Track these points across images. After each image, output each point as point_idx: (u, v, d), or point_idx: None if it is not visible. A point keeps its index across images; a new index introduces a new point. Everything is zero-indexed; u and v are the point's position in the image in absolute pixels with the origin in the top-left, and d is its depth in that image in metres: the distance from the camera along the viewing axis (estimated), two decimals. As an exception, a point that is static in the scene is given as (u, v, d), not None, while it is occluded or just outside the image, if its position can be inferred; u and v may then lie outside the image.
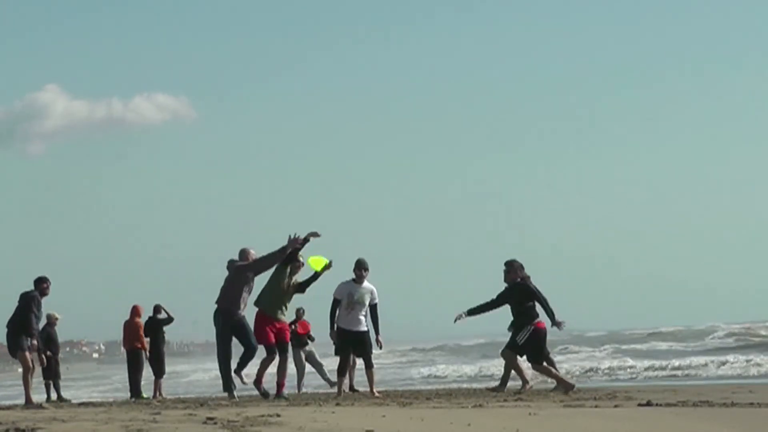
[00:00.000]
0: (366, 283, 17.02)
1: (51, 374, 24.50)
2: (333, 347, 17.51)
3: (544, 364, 17.17)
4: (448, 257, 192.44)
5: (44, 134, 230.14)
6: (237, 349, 16.34)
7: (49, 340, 23.83)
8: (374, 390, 17.12)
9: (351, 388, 21.00)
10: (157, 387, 23.55)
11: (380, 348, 17.48)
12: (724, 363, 30.88)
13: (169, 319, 23.51)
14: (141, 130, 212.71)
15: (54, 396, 24.29)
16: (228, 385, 16.30)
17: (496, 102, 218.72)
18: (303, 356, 24.35)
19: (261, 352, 16.39)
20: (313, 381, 28.01)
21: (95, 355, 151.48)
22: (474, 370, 36.93)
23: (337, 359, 17.59)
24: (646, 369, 31.42)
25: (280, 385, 16.39)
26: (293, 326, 23.27)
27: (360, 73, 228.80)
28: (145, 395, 22.99)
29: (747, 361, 30.77)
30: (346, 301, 16.93)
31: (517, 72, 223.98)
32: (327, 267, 16.37)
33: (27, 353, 18.26)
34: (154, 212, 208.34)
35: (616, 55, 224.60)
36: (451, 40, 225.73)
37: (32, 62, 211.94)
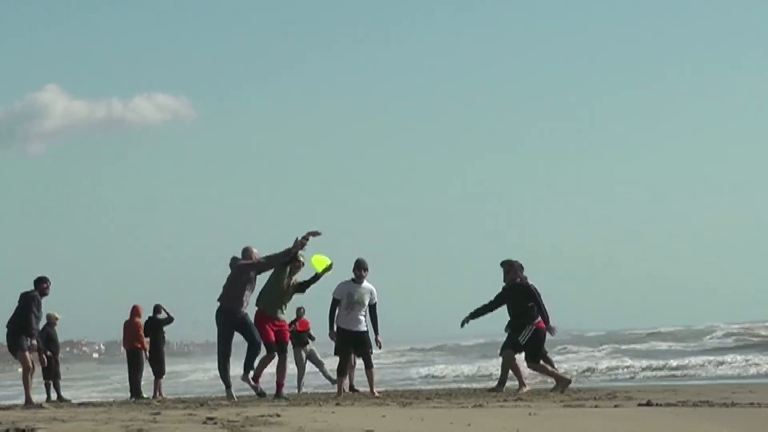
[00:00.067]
0: (365, 283, 17.03)
1: (51, 374, 24.50)
2: (333, 347, 17.52)
3: (541, 362, 17.26)
4: (448, 257, 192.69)
5: (44, 134, 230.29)
6: (238, 349, 16.28)
7: (49, 340, 23.82)
8: (374, 390, 17.13)
9: (351, 388, 21.01)
10: (157, 387, 23.56)
11: (379, 348, 17.51)
12: (722, 363, 30.88)
13: (169, 319, 23.52)
14: (141, 130, 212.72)
15: (54, 396, 24.29)
16: (226, 382, 16.25)
17: (496, 102, 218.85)
18: (304, 355, 24.37)
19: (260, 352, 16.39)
20: (313, 381, 28.02)
21: (95, 355, 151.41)
22: (473, 369, 36.93)
23: (337, 359, 17.60)
24: (644, 369, 31.42)
25: (279, 385, 16.40)
26: (293, 326, 23.30)
27: (360, 73, 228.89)
28: (145, 395, 22.99)
29: (746, 361, 30.78)
30: (345, 301, 16.94)
31: (517, 72, 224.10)
32: (328, 269, 16.39)
33: (27, 353, 18.27)
34: (154, 212, 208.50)
35: (616, 55, 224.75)
36: (451, 40, 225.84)
37: (32, 62, 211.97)
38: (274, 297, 16.23)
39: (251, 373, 16.23)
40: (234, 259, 16.18)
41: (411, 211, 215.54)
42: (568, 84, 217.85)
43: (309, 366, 24.65)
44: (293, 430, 9.25)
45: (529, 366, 17.30)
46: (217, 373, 17.19)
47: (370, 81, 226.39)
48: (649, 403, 12.95)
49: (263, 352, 16.20)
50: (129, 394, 23.85)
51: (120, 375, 47.13)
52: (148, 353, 23.32)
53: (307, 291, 16.64)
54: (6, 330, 18.50)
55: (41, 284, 18.34)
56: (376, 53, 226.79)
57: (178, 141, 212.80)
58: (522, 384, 17.08)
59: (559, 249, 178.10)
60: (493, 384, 18.82)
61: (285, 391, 16.81)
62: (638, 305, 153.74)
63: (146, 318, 23.42)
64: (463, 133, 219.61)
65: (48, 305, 19.95)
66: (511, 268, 17.35)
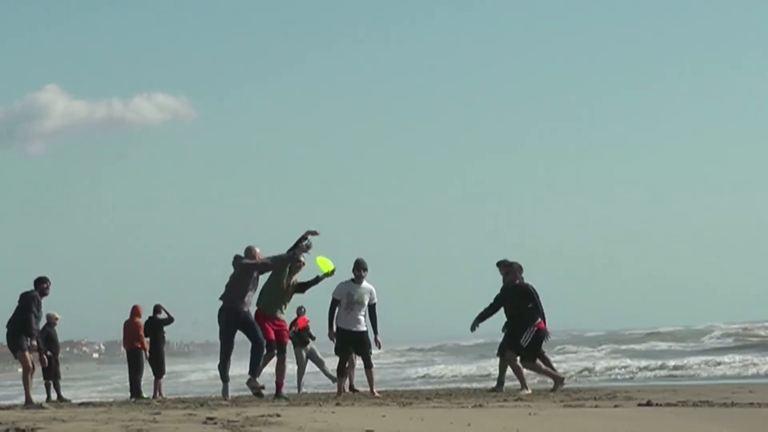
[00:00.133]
0: (365, 283, 17.05)
1: (51, 374, 24.50)
2: (333, 347, 17.53)
3: (537, 361, 17.37)
4: (448, 257, 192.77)
5: (44, 134, 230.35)
6: (240, 348, 16.28)
7: (49, 340, 23.82)
8: (374, 390, 17.14)
9: (351, 388, 21.02)
10: (157, 387, 23.56)
11: (379, 348, 17.53)
12: (719, 363, 30.84)
13: (169, 319, 23.53)
14: (141, 130, 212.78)
15: (54, 396, 24.30)
16: (224, 377, 16.18)
17: (496, 102, 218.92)
18: (304, 355, 24.38)
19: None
20: (313, 381, 28.04)
21: (95, 355, 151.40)
22: (471, 369, 36.93)
23: (338, 359, 17.61)
24: (642, 369, 31.38)
25: (279, 385, 16.40)
26: (293, 327, 23.32)
27: (360, 73, 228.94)
28: (145, 395, 23.00)
29: (745, 361, 30.76)
30: (345, 301, 16.95)
31: (517, 72, 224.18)
32: (330, 273, 16.41)
33: (27, 353, 18.27)
34: (154, 212, 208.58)
35: (616, 55, 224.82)
36: (451, 40, 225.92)
37: (32, 62, 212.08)
38: (274, 297, 16.23)
39: (243, 373, 16.18)
40: (237, 258, 16.16)
41: (411, 211, 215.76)
42: (568, 84, 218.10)
43: (309, 366, 24.65)
44: (293, 430, 9.26)
45: (523, 365, 17.35)
46: (217, 373, 17.17)
47: (370, 81, 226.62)
48: (649, 403, 12.96)
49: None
50: (129, 394, 23.85)
51: (120, 375, 47.14)
52: (148, 353, 23.32)
53: (307, 291, 16.65)
54: (6, 330, 18.50)
55: (41, 284, 18.34)
56: (376, 53, 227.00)
57: (178, 141, 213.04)
58: (524, 386, 17.12)
59: (559, 249, 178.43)
60: (493, 384, 18.89)
61: (285, 391, 16.82)
62: (638, 305, 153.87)
63: (146, 318, 23.43)
64: (463, 133, 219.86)
65: (48, 305, 19.97)
66: (510, 270, 17.39)
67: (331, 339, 17.25)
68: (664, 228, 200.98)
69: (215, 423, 9.74)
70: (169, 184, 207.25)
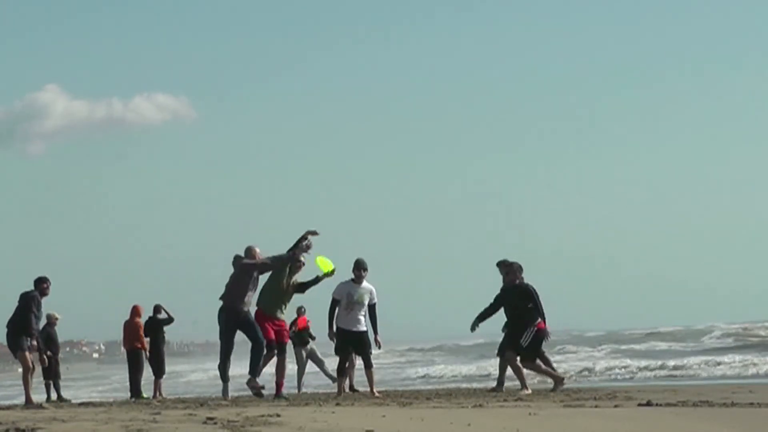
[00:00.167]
0: (365, 283, 17.05)
1: (51, 374, 24.51)
2: (333, 347, 17.54)
3: (537, 361, 17.39)
4: (448, 257, 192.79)
5: (44, 134, 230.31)
6: (240, 348, 16.28)
7: (49, 340, 23.82)
8: (374, 390, 17.14)
9: (351, 388, 21.02)
10: (157, 387, 23.56)
11: (379, 348, 17.53)
12: (719, 363, 30.84)
13: (169, 319, 23.53)
14: (141, 130, 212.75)
15: (54, 396, 24.30)
16: (224, 377, 16.18)
17: (496, 102, 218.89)
18: (304, 354, 24.38)
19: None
20: (313, 381, 28.03)
21: (95, 355, 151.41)
22: (471, 369, 36.93)
23: (338, 359, 17.61)
24: (641, 369, 31.38)
25: (279, 385, 16.40)
26: (293, 328, 23.33)
27: (360, 73, 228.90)
28: (145, 395, 23.00)
29: (745, 361, 30.76)
30: (345, 301, 16.96)
31: (517, 72, 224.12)
32: (330, 274, 16.41)
33: (27, 353, 18.27)
34: (154, 212, 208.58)
35: (616, 55, 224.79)
36: (451, 40, 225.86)
37: (32, 62, 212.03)
38: (274, 297, 16.24)
39: (242, 373, 16.17)
40: (237, 258, 16.16)
41: (411, 211, 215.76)
42: (568, 84, 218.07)
43: (309, 366, 24.66)
44: (293, 430, 9.26)
45: (522, 365, 17.36)
46: (217, 373, 17.17)
47: (370, 81, 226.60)
48: (649, 403, 12.96)
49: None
50: (129, 394, 23.85)
51: (120, 375, 47.14)
52: (148, 353, 23.33)
53: (307, 291, 16.65)
54: (6, 330, 18.50)
55: (41, 284, 18.34)
56: (376, 53, 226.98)
57: (178, 141, 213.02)
58: (524, 386, 17.13)
59: (559, 249, 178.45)
60: (493, 384, 18.89)
61: (285, 391, 16.82)
62: (638, 305, 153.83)
63: (146, 318, 23.43)
64: (463, 133, 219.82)
65: (48, 305, 19.97)
66: (510, 270, 17.40)
67: (331, 339, 17.26)
68: (664, 228, 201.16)
69: (215, 423, 9.74)
70: (169, 184, 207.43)
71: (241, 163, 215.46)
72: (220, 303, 16.02)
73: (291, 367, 19.60)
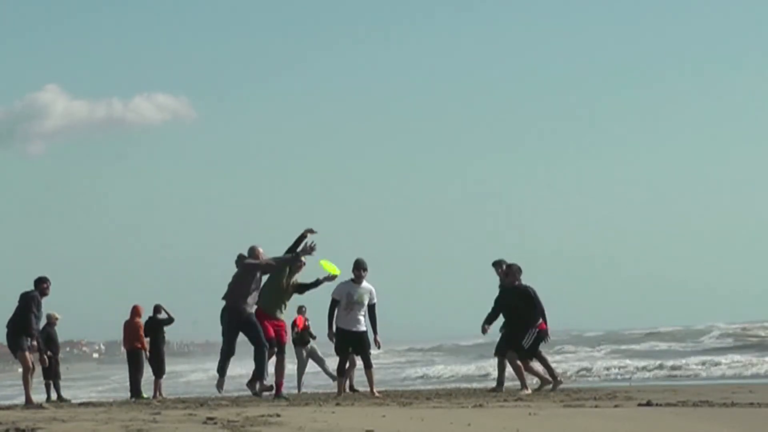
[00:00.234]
0: (365, 284, 17.05)
1: (51, 374, 24.51)
2: (332, 347, 17.55)
3: (533, 362, 17.43)
4: (447, 257, 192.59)
5: (44, 134, 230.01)
6: (242, 348, 16.27)
7: (49, 340, 23.81)
8: (374, 390, 17.15)
9: (351, 388, 21.03)
10: (157, 387, 23.57)
11: (378, 348, 17.54)
12: (719, 363, 30.85)
13: (169, 319, 23.54)
14: (141, 130, 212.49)
15: (54, 396, 24.30)
16: (220, 371, 16.14)
17: (496, 102, 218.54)
18: (304, 354, 24.39)
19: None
20: (313, 381, 28.05)
21: (95, 355, 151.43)
22: (471, 369, 36.94)
23: (338, 359, 17.61)
24: (640, 369, 31.38)
25: (278, 385, 16.40)
26: (295, 328, 23.34)
27: (360, 73, 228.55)
28: (145, 395, 23.01)
29: (744, 361, 30.77)
30: (345, 301, 16.96)
31: (517, 72, 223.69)
32: (331, 278, 16.41)
33: (27, 353, 18.27)
34: (154, 212, 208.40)
35: (616, 55, 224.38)
36: (451, 40, 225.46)
37: (32, 62, 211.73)
38: (274, 296, 16.23)
39: (242, 372, 16.14)
40: (241, 258, 16.14)
41: (411, 211, 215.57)
42: (568, 84, 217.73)
43: (309, 365, 24.66)
44: (293, 430, 9.26)
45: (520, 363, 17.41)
46: (216, 373, 17.16)
47: (370, 81, 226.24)
48: (649, 403, 12.97)
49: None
50: (129, 394, 23.86)
51: (120, 375, 47.15)
52: (148, 353, 23.33)
53: (307, 292, 16.65)
54: (6, 330, 18.51)
55: (41, 284, 18.35)
56: (376, 53, 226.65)
57: (178, 141, 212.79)
58: (524, 386, 17.14)
59: (559, 249, 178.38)
60: (493, 384, 18.91)
61: (285, 391, 16.82)
62: (637, 305, 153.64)
63: (146, 318, 23.44)
64: (463, 133, 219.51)
65: (48, 305, 19.97)
66: (510, 271, 17.45)
67: (331, 339, 17.26)
68: (664, 228, 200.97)
69: (215, 423, 9.75)
70: (169, 184, 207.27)
71: (241, 163, 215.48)
72: (223, 303, 16.00)
73: (291, 367, 19.60)
